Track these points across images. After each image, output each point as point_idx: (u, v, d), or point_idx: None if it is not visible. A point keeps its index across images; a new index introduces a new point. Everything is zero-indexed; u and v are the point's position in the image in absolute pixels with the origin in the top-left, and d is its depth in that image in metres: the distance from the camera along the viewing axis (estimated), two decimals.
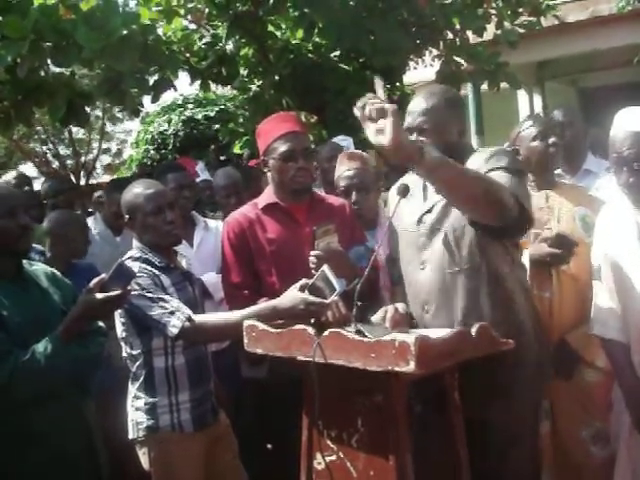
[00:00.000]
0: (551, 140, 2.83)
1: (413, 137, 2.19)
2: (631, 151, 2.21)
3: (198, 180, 4.36)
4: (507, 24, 5.54)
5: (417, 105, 2.27)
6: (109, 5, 3.85)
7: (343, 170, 3.15)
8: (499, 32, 5.51)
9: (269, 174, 2.71)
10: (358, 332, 1.92)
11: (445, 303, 2.24)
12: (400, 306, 2.29)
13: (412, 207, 2.33)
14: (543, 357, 2.35)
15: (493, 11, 5.46)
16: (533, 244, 2.68)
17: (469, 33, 5.47)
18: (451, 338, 1.86)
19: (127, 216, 2.55)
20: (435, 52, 5.65)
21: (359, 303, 1.97)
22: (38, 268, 2.34)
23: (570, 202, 2.77)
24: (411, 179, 2.33)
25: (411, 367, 1.72)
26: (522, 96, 9.64)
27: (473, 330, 1.91)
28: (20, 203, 2.22)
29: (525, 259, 2.58)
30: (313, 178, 2.84)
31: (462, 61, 5.65)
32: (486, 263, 2.21)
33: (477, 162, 2.19)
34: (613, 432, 2.54)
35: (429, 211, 2.28)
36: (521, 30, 5.55)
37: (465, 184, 1.98)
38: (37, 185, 5.54)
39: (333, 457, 2.01)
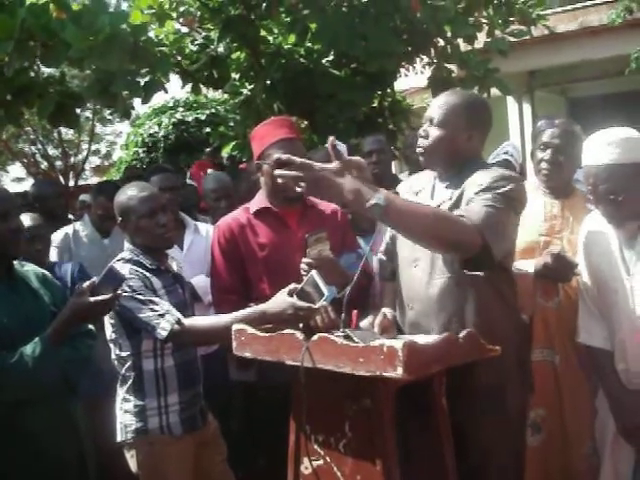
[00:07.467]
0: (547, 153, 2.75)
1: (426, 126, 2.31)
2: (605, 186, 2.27)
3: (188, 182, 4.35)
4: (498, 32, 5.58)
5: (438, 98, 2.36)
6: (98, 4, 3.84)
7: None
8: (490, 40, 5.55)
9: (262, 178, 2.70)
10: (347, 337, 1.93)
11: (428, 304, 2.23)
12: (388, 312, 2.31)
13: None
14: (525, 366, 2.35)
15: (484, 20, 5.51)
16: (541, 254, 2.63)
17: (460, 41, 5.51)
18: (439, 344, 1.87)
19: (120, 218, 2.54)
20: (426, 59, 5.68)
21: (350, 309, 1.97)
22: (29, 269, 2.34)
23: (583, 212, 2.69)
24: (423, 177, 2.39)
25: (399, 372, 1.72)
26: (512, 105, 9.72)
27: (461, 336, 1.92)
28: (13, 206, 2.21)
29: (531, 268, 2.59)
30: None
31: (453, 68, 5.68)
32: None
33: (471, 188, 2.17)
34: (598, 438, 2.56)
35: None
36: (511, 39, 5.59)
37: (417, 229, 1.97)
38: (25, 186, 5.52)
39: (320, 462, 2.01)
